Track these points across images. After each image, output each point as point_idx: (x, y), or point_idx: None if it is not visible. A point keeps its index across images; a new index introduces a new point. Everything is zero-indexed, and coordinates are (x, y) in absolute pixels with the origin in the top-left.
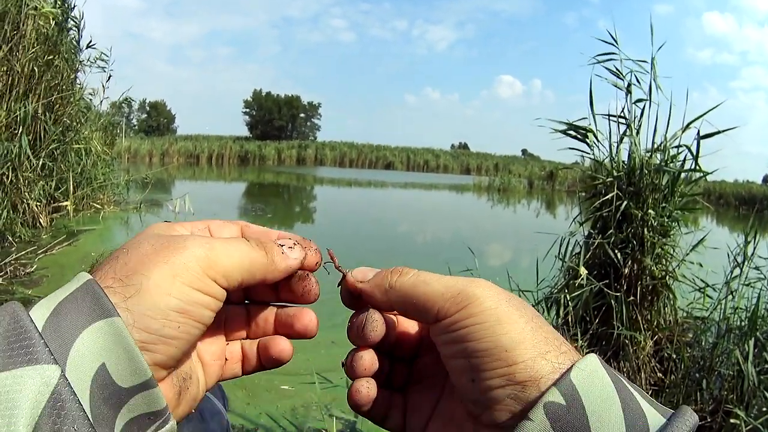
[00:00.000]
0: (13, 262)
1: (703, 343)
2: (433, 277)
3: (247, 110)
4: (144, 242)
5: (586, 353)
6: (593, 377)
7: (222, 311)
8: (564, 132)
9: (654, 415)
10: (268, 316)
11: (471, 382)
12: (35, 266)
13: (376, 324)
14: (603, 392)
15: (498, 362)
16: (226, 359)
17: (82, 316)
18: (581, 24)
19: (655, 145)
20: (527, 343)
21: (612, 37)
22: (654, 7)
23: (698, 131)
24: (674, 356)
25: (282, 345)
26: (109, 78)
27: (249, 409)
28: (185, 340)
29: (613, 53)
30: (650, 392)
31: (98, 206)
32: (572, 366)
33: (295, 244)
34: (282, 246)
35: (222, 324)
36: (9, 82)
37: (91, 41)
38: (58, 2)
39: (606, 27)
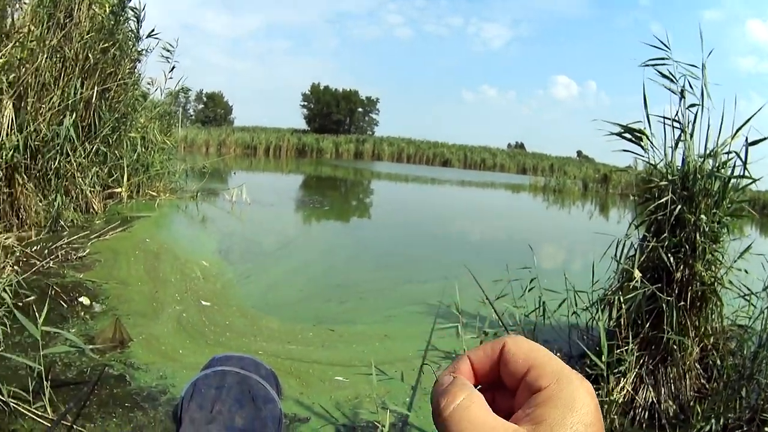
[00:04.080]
0: (64, 246)
1: (745, 352)
2: (464, 428)
3: (305, 103)
4: None
5: None
6: None
7: None
8: (619, 134)
9: None
10: None
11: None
12: (88, 251)
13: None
14: None
15: None
16: None
17: None
18: (634, 26)
19: (708, 151)
20: None
21: (661, 41)
22: (701, 12)
23: (746, 138)
24: (718, 363)
25: None
26: (172, 68)
27: (302, 398)
28: None
29: (665, 58)
30: (694, 399)
31: (154, 194)
32: None
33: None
34: None
35: None
36: (62, 68)
37: (153, 30)
38: None
39: (658, 31)
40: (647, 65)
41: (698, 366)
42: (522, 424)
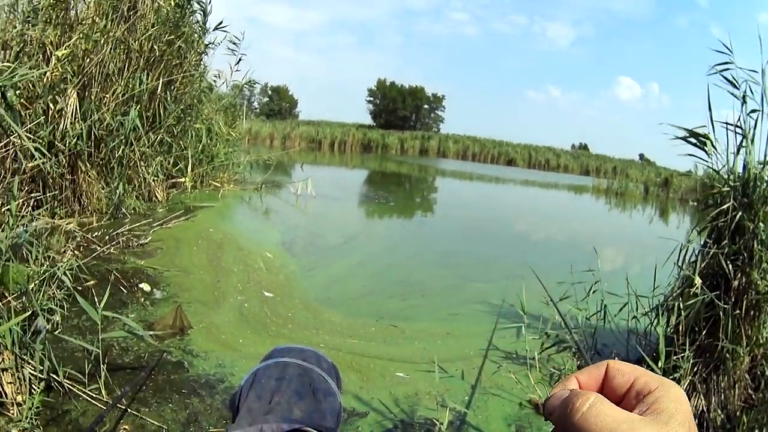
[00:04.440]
0: (126, 232)
1: None
2: (600, 420)
3: (371, 99)
4: None
5: None
6: None
7: None
8: (684, 139)
9: None
10: None
11: None
12: (149, 238)
13: None
14: None
15: None
16: None
17: None
18: (694, 27)
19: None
20: None
21: (725, 45)
22: (758, 15)
23: None
24: (767, 374)
25: None
26: (239, 61)
27: (362, 392)
28: None
29: (729, 63)
30: (741, 409)
31: (217, 184)
32: None
33: None
34: None
35: None
36: (126, 59)
37: (221, 23)
38: None
39: (718, 33)
40: (713, 73)
41: (747, 376)
42: (644, 416)
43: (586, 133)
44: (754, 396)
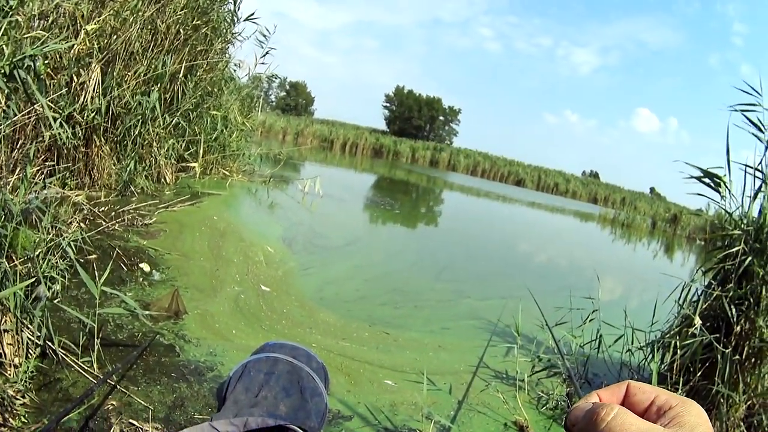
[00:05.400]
0: (132, 211)
1: None
2: (625, 430)
3: (387, 104)
4: None
5: None
6: None
7: None
8: (698, 178)
9: None
10: None
11: None
12: (154, 219)
13: None
14: None
15: None
16: None
17: None
18: (724, 67)
19: None
20: None
21: (752, 87)
22: None
23: None
24: (765, 425)
25: None
26: (265, 54)
27: (349, 396)
28: None
29: (755, 104)
30: None
31: (226, 173)
32: None
33: None
34: None
35: None
36: (153, 40)
37: (253, 14)
38: None
39: (749, 72)
40: (735, 110)
41: (743, 424)
42: (668, 428)
43: (599, 160)
44: None
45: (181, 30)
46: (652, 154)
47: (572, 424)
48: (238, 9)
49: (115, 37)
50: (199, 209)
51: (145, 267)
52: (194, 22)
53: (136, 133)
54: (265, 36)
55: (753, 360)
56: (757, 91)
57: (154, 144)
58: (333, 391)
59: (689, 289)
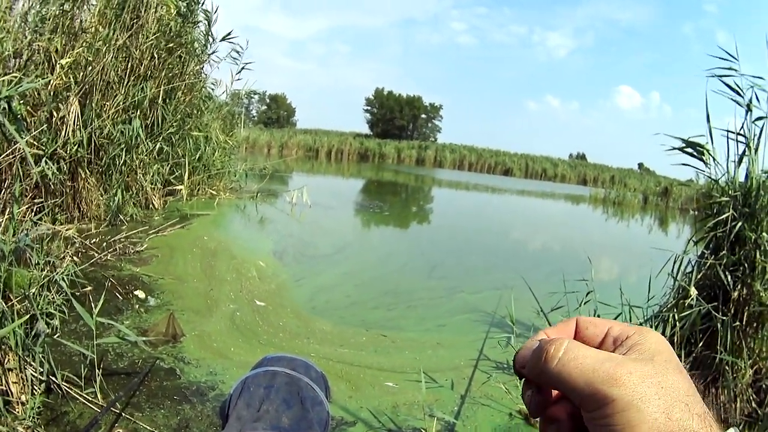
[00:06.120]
0: (122, 239)
1: None
2: (580, 364)
3: (369, 108)
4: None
5: None
6: None
7: None
8: (680, 149)
9: None
10: None
11: None
12: (145, 246)
13: (531, 402)
14: None
15: None
16: None
17: None
18: (699, 35)
19: None
20: None
21: (727, 52)
22: None
23: None
24: None
25: None
26: (241, 70)
27: (351, 402)
28: None
29: (732, 69)
30: (743, 423)
31: (213, 192)
32: None
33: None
34: None
35: None
36: (128, 67)
37: (229, 34)
38: None
39: (725, 39)
40: (712, 76)
41: (750, 389)
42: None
43: (585, 142)
44: (759, 411)
45: (155, 54)
46: (637, 131)
47: (521, 366)
48: (211, 29)
49: (90, 68)
50: (189, 231)
51: (140, 294)
52: (168, 46)
53: (121, 162)
54: (238, 52)
55: (755, 325)
56: (733, 57)
57: (139, 171)
58: (334, 398)
59: (681, 261)
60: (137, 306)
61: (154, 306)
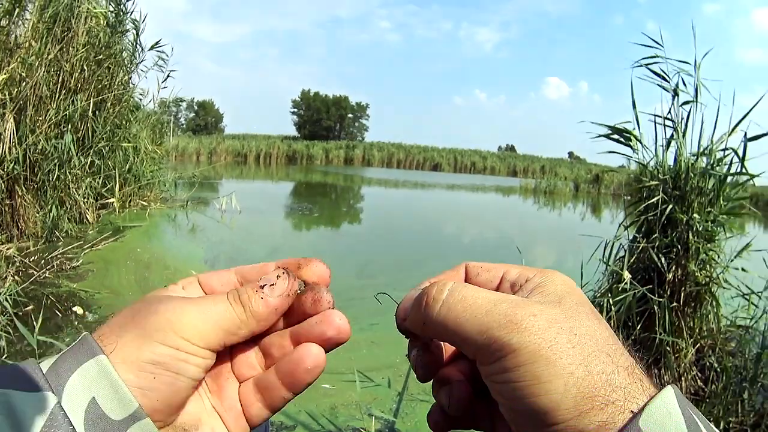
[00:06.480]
0: (59, 256)
1: (746, 353)
2: (469, 306)
3: (295, 110)
4: (127, 308)
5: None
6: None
7: (225, 359)
8: (607, 136)
9: None
10: (282, 341)
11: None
12: (81, 261)
13: (419, 362)
14: None
15: (535, 424)
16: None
17: (76, 359)
18: (630, 25)
19: (702, 149)
20: (568, 402)
21: (653, 40)
22: (702, 6)
23: (745, 134)
24: (716, 365)
25: (313, 352)
26: (166, 77)
27: (289, 406)
28: (163, 391)
29: (659, 56)
30: (691, 401)
31: (145, 203)
32: (633, 418)
33: (280, 275)
34: (263, 287)
35: (231, 370)
36: (59, 81)
37: (157, 43)
38: (112, 4)
39: (654, 29)
40: (638, 65)
41: (695, 368)
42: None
43: (515, 134)
44: (705, 388)
45: (85, 67)
46: (566, 120)
47: (402, 319)
48: (140, 38)
49: (24, 83)
50: (123, 243)
51: (78, 310)
52: (97, 58)
53: (54, 177)
54: (164, 60)
55: (693, 305)
56: (658, 43)
57: (72, 186)
58: None
59: (613, 246)
60: (76, 322)
61: (92, 321)
